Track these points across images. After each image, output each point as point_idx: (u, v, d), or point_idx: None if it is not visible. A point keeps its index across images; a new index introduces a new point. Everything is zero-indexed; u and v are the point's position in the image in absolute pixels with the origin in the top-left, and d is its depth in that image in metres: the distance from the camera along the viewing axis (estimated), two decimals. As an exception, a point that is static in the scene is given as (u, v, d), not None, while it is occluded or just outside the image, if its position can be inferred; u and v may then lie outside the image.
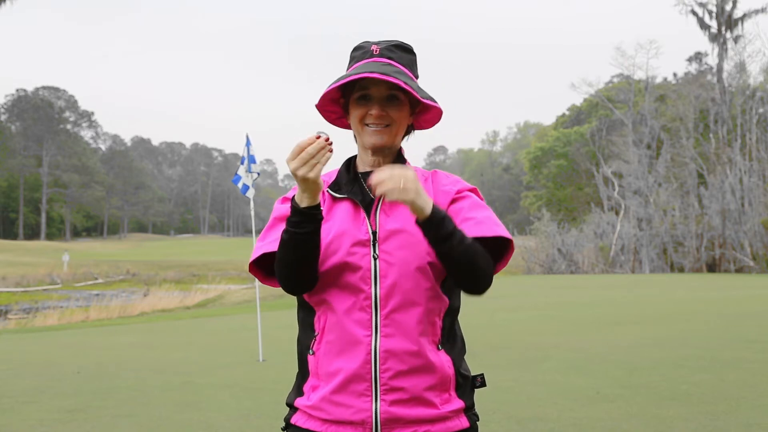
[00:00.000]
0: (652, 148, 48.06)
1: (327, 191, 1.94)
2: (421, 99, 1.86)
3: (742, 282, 26.14)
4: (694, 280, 28.81)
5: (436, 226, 1.73)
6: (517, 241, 49.10)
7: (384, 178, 1.69)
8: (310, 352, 1.89)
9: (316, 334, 1.89)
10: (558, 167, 65.20)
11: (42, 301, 28.50)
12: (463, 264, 1.78)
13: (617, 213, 46.18)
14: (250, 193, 9.73)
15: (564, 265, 41.68)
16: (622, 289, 22.27)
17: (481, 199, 1.97)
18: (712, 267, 39.75)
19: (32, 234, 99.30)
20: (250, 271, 1.93)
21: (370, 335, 1.82)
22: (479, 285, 1.84)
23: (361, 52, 1.94)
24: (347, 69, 1.97)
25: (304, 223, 1.75)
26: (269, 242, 1.89)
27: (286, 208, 1.91)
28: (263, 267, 1.95)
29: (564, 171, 64.04)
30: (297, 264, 1.79)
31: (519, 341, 10.25)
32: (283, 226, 1.86)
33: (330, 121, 2.04)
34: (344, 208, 1.90)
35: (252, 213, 10.38)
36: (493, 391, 6.39)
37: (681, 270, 40.36)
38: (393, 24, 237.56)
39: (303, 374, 1.93)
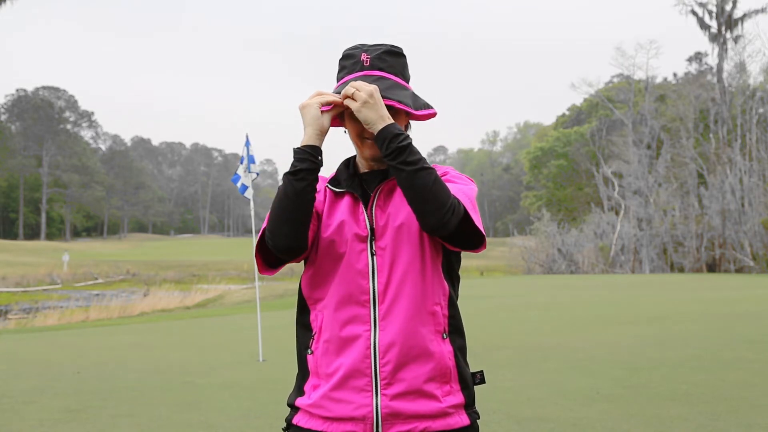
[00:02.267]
0: (652, 148, 48.05)
1: (327, 186, 1.98)
2: (414, 112, 1.90)
3: (742, 282, 26.13)
4: (694, 280, 28.80)
5: (389, 140, 1.78)
6: (517, 241, 49.13)
7: (359, 89, 1.80)
8: (309, 351, 1.91)
9: (313, 333, 1.91)
10: (558, 167, 65.19)
11: (42, 301, 28.49)
12: (418, 187, 1.76)
13: (617, 213, 46.17)
14: (249, 193, 9.73)
15: (564, 265, 41.67)
16: (622, 289, 22.27)
17: (460, 176, 1.99)
18: (712, 267, 39.75)
19: (32, 234, 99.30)
20: (255, 255, 1.95)
21: (369, 330, 1.83)
22: (437, 215, 1.76)
23: (351, 62, 1.96)
24: (338, 79, 1.99)
25: (298, 161, 1.81)
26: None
27: None
28: (265, 256, 1.96)
29: (564, 171, 64.05)
30: (288, 214, 1.80)
31: (519, 341, 10.25)
32: None
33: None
34: (344, 203, 1.93)
35: (252, 213, 10.39)
36: (493, 391, 6.39)
37: (681, 270, 40.34)
38: (392, 24, 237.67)
39: (303, 374, 1.94)
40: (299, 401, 1.92)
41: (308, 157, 1.82)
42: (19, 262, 49.88)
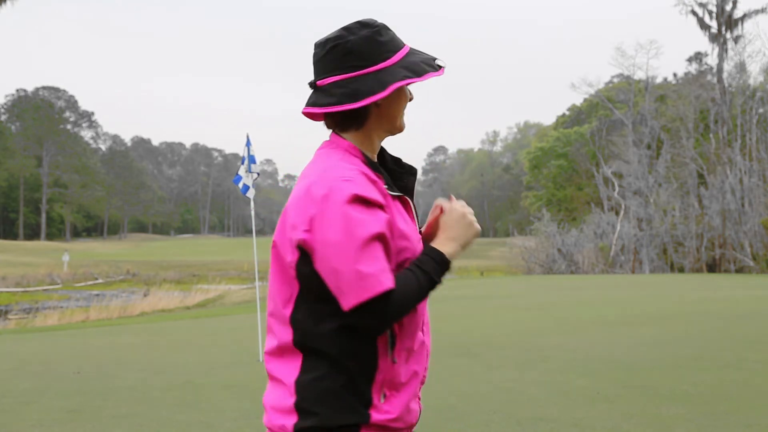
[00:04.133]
0: (652, 148, 48.04)
1: (385, 188, 1.75)
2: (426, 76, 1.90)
3: (742, 282, 26.12)
4: (694, 280, 28.78)
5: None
6: (517, 241, 49.13)
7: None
8: (393, 360, 1.71)
9: (392, 340, 1.72)
10: (558, 167, 65.21)
11: (42, 301, 28.51)
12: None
13: (617, 213, 46.14)
14: (251, 194, 9.73)
15: (564, 265, 41.65)
16: (622, 289, 22.26)
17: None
18: (713, 267, 39.75)
19: (32, 234, 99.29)
20: (360, 305, 1.59)
21: (424, 335, 1.83)
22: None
23: (397, 39, 1.91)
24: (388, 51, 1.83)
25: (441, 274, 1.72)
26: (385, 272, 1.60)
27: (381, 221, 1.64)
28: None
29: (564, 171, 64.06)
30: (414, 306, 1.70)
31: (519, 341, 10.24)
32: (381, 248, 1.63)
33: (312, 118, 1.85)
34: (401, 206, 1.78)
35: (252, 213, 10.38)
36: (494, 391, 6.39)
37: (681, 270, 40.33)
38: (391, 24, 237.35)
39: (368, 383, 1.69)
40: (376, 417, 1.68)
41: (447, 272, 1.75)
42: (19, 262, 49.90)
